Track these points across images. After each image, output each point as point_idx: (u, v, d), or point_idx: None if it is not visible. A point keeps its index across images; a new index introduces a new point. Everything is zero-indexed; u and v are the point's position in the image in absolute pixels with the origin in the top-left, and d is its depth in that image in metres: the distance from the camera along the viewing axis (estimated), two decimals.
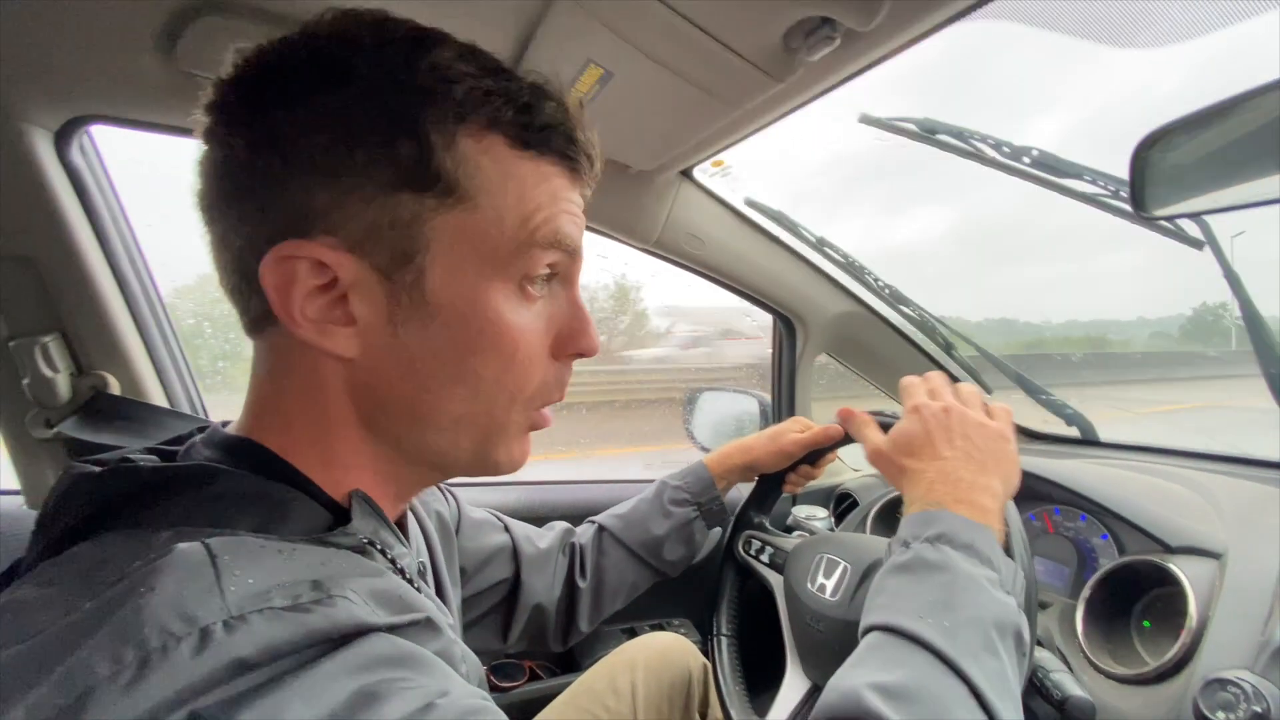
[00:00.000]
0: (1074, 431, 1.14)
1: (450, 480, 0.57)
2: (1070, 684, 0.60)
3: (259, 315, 0.39)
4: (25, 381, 0.86)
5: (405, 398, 0.40)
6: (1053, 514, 0.86)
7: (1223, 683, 0.56)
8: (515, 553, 0.76)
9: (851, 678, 0.44)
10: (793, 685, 0.75)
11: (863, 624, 0.51)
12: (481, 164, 0.38)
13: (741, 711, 0.80)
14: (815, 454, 0.87)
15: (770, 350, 1.36)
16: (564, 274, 0.44)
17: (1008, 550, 0.55)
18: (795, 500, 1.24)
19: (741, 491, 0.91)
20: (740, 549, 0.88)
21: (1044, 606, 0.79)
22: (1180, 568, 0.68)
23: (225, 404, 1.14)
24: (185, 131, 0.79)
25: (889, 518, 1.04)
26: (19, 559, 0.37)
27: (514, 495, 1.15)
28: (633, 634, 1.11)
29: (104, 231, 0.86)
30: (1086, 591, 0.73)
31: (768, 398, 1.31)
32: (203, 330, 1.37)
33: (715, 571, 0.90)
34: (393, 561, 0.40)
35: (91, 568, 0.30)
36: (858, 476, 1.31)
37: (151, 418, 0.88)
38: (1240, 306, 0.81)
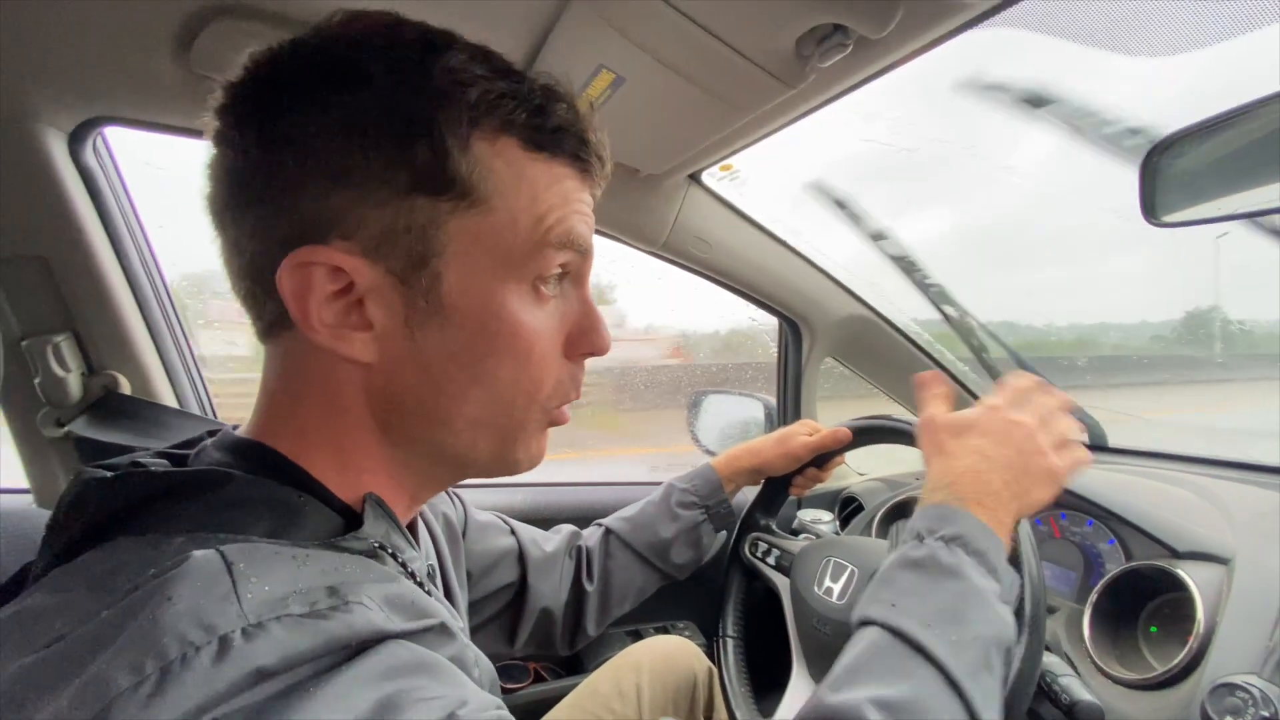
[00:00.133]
0: (1083, 436, 1.14)
1: (461, 481, 0.57)
2: (1078, 689, 0.60)
3: (273, 320, 0.39)
4: (36, 380, 0.86)
5: (423, 401, 0.40)
6: (1059, 519, 0.86)
7: (1231, 688, 0.56)
8: (521, 556, 0.76)
9: (853, 687, 0.45)
10: (798, 688, 0.76)
11: (865, 611, 0.51)
12: (495, 166, 0.38)
13: (747, 714, 0.80)
14: (823, 457, 0.87)
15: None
16: (575, 273, 0.44)
17: (1012, 559, 0.55)
18: (801, 504, 1.24)
19: (746, 494, 0.91)
20: (746, 551, 0.88)
21: (1051, 611, 0.79)
22: (1188, 573, 0.68)
23: None
24: (198, 133, 0.79)
25: (894, 522, 1.04)
26: (28, 563, 0.37)
27: (520, 498, 1.16)
28: (638, 636, 1.11)
29: (116, 232, 0.87)
30: (1094, 597, 0.73)
31: (773, 401, 1.32)
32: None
33: (720, 574, 0.90)
34: (403, 565, 0.40)
35: (104, 575, 0.30)
36: (863, 480, 1.31)
37: (161, 418, 0.89)
38: None
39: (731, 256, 1.11)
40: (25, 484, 0.95)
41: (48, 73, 0.71)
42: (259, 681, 0.26)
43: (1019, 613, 0.54)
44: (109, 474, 0.35)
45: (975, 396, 1.22)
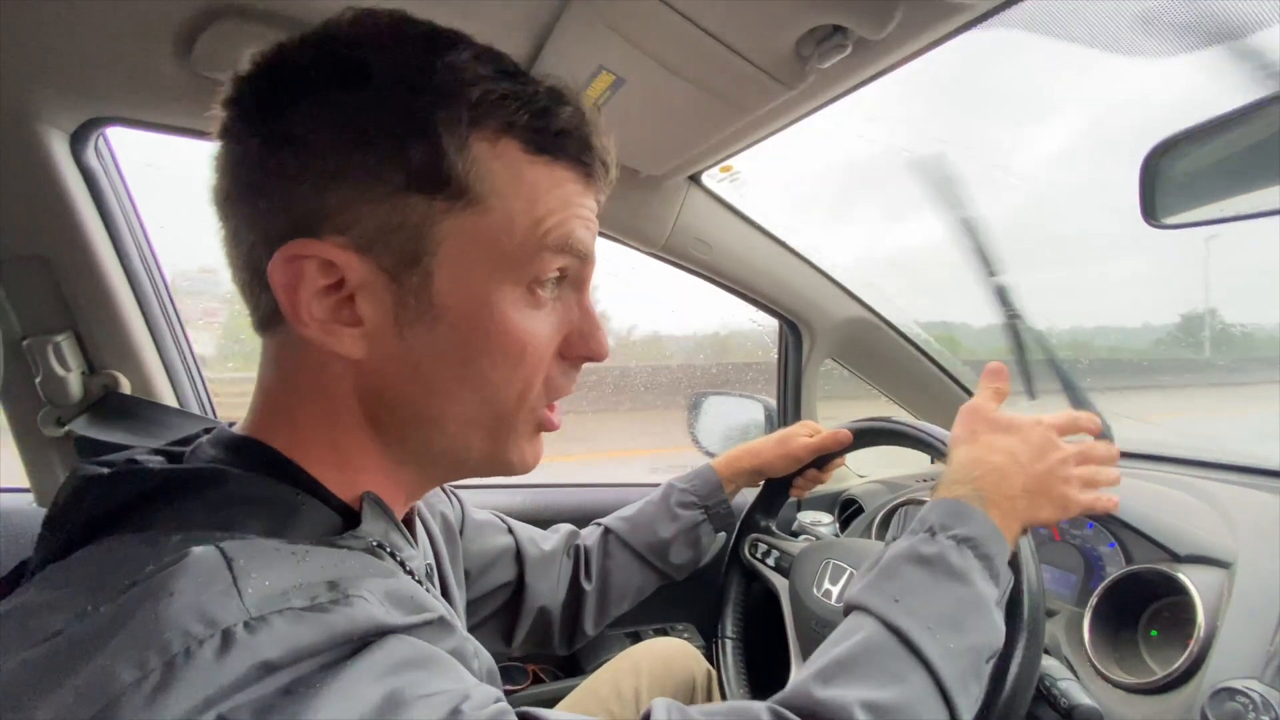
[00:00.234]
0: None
1: (456, 482, 0.57)
2: (1077, 692, 0.60)
3: (268, 313, 0.39)
4: (37, 380, 0.87)
5: (412, 400, 0.40)
6: (1059, 521, 0.86)
7: (1231, 692, 0.56)
8: (519, 555, 0.76)
9: (845, 684, 0.45)
10: None
11: (864, 599, 0.51)
12: (494, 168, 0.38)
13: None
14: (823, 459, 0.87)
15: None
16: (574, 277, 0.44)
17: (1010, 562, 0.56)
18: (800, 505, 1.24)
19: (745, 495, 0.91)
20: (746, 552, 0.88)
21: (1051, 614, 0.79)
22: (1188, 577, 0.68)
23: None
24: (199, 133, 0.80)
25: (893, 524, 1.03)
26: (24, 560, 0.37)
27: (519, 498, 1.15)
28: (637, 638, 1.11)
29: (117, 232, 0.87)
30: (1093, 600, 0.73)
31: (773, 402, 1.31)
32: None
33: (719, 576, 0.90)
34: (401, 564, 0.40)
35: (102, 571, 0.30)
36: (863, 482, 1.31)
37: (161, 417, 0.89)
38: None
39: (732, 258, 1.11)
40: (25, 483, 0.95)
41: (50, 73, 0.72)
42: (264, 675, 0.26)
43: (1015, 614, 0.54)
44: (106, 471, 0.35)
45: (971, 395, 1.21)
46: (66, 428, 0.87)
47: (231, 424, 0.43)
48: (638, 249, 1.07)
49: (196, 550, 0.29)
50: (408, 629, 0.33)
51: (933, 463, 1.16)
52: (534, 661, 1.13)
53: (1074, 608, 0.78)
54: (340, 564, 0.33)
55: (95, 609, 0.28)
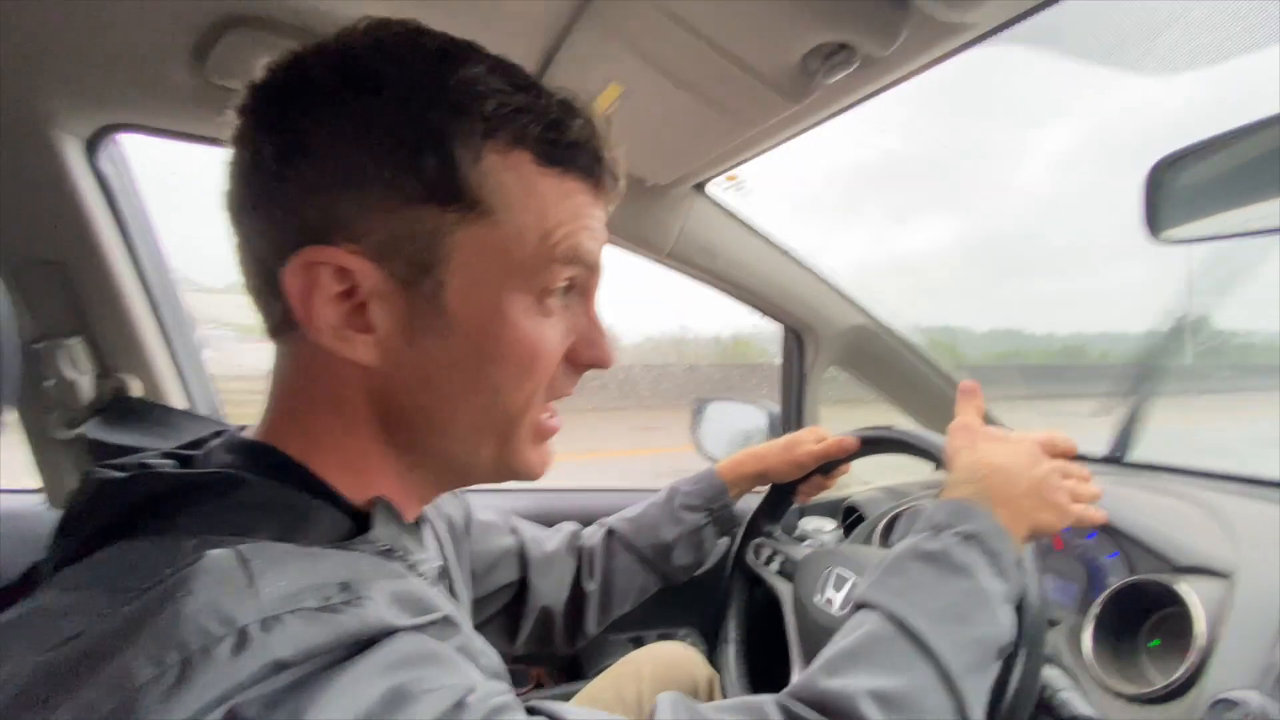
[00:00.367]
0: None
1: (466, 487, 0.58)
2: (1078, 702, 0.60)
3: (281, 319, 0.40)
4: (50, 383, 0.87)
5: (423, 407, 0.41)
6: (1060, 529, 0.86)
7: (1230, 703, 0.56)
8: (522, 555, 0.76)
9: (851, 674, 0.45)
10: None
11: (870, 595, 0.52)
12: (505, 180, 0.38)
13: None
14: (829, 465, 0.87)
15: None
16: (582, 287, 0.44)
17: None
18: (803, 511, 1.24)
19: (749, 500, 0.92)
20: (750, 557, 0.88)
21: (1053, 624, 0.79)
22: (1188, 587, 0.68)
23: None
24: (213, 141, 0.80)
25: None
26: (37, 562, 0.37)
27: (525, 502, 1.16)
28: (639, 643, 1.11)
29: (130, 237, 0.88)
30: (1095, 609, 0.73)
31: (777, 409, 1.32)
32: None
33: (722, 580, 0.90)
34: (412, 567, 0.41)
35: (119, 573, 0.31)
36: (866, 490, 1.31)
37: (172, 420, 0.90)
38: None
39: (737, 266, 1.12)
40: (30, 484, 0.96)
41: (66, 80, 0.73)
42: (276, 672, 0.27)
43: (1017, 623, 0.54)
44: (121, 475, 0.36)
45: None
46: (78, 430, 0.88)
47: (242, 429, 0.44)
48: (643, 256, 1.08)
49: (213, 552, 0.30)
50: (414, 628, 0.33)
51: (936, 469, 1.16)
52: (536, 664, 1.13)
53: (1076, 617, 0.78)
54: (352, 566, 0.34)
55: (114, 611, 0.28)
